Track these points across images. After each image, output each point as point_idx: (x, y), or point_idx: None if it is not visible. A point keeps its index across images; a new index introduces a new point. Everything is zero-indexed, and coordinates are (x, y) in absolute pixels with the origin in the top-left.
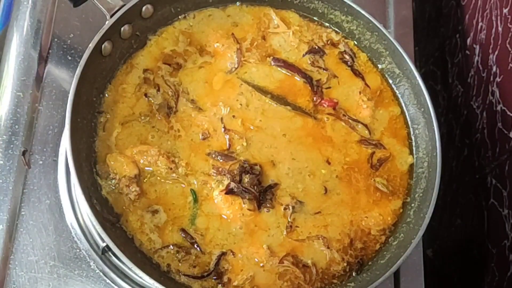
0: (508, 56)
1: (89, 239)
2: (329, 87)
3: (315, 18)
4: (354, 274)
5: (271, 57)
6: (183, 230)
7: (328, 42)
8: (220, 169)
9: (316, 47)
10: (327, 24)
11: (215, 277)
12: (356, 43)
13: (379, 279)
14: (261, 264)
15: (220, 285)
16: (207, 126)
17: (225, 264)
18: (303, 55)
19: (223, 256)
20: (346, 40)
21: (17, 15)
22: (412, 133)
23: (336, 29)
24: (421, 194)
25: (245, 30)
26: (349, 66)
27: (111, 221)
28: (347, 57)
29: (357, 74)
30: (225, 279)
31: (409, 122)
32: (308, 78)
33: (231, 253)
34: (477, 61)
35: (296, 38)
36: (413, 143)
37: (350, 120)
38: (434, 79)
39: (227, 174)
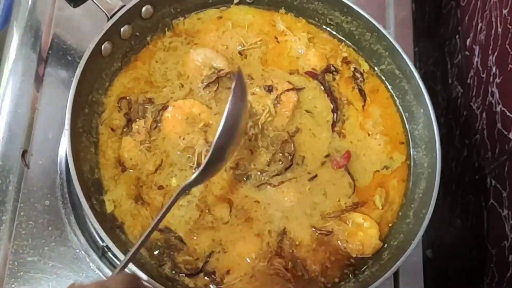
0: (507, 57)
1: (89, 239)
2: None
3: (315, 19)
4: (354, 274)
5: None
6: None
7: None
8: None
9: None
10: (328, 29)
11: (207, 275)
12: (361, 53)
13: (379, 279)
14: (253, 264)
15: (212, 283)
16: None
17: (216, 262)
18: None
19: (215, 254)
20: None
21: (17, 15)
22: (412, 133)
23: (337, 33)
24: (420, 195)
25: (245, 31)
26: (358, 87)
27: (110, 221)
28: (357, 75)
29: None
30: (217, 277)
31: (409, 123)
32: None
33: (223, 251)
34: (477, 62)
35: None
36: (413, 144)
37: None
38: (434, 80)
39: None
